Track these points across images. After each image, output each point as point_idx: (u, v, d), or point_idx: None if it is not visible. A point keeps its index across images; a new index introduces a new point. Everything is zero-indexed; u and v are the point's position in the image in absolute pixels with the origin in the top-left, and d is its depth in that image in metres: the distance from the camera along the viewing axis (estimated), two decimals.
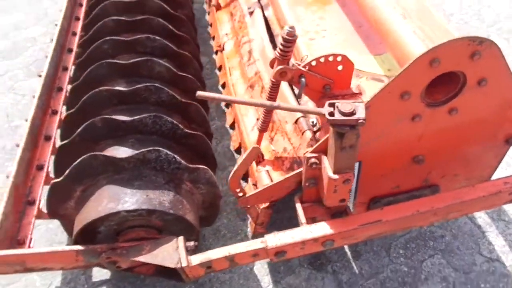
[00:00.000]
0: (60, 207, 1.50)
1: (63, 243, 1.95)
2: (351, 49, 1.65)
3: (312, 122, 1.52)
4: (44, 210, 1.59)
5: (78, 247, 1.40)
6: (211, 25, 2.97)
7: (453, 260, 1.87)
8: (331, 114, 1.07)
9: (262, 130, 1.51)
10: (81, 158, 1.38)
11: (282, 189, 1.46)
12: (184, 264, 1.32)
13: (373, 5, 1.43)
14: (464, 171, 1.54)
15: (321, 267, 1.85)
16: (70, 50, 2.36)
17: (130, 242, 1.44)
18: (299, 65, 1.31)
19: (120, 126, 1.53)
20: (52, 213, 1.52)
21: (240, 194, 1.45)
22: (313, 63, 1.32)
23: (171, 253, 1.37)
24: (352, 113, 1.05)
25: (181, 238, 1.40)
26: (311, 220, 1.47)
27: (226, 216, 2.03)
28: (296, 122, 1.54)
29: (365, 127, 1.06)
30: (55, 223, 2.03)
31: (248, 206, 1.52)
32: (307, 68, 1.33)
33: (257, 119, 1.75)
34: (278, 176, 1.53)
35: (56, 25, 2.41)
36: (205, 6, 3.34)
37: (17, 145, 1.70)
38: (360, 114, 1.05)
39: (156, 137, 1.59)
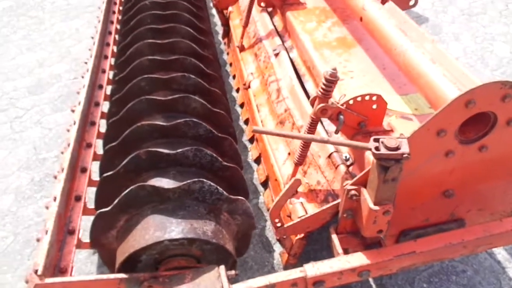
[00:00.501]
0: (103, 236, 1.55)
1: (93, 273, 1.97)
2: (378, 89, 1.77)
3: (345, 156, 1.61)
4: (83, 239, 1.64)
5: (122, 275, 1.44)
6: (230, 64, 3.13)
7: None
8: (377, 148, 1.16)
9: (299, 163, 1.60)
10: (129, 189, 1.45)
11: (318, 221, 1.52)
12: None
13: (401, 50, 1.55)
14: (489, 206, 1.61)
15: None
16: (101, 87, 2.49)
17: (171, 271, 1.48)
18: (338, 103, 1.42)
19: (163, 159, 1.61)
20: (95, 242, 1.56)
21: (279, 225, 1.51)
22: (351, 102, 1.43)
23: (214, 281, 1.41)
24: (397, 148, 1.14)
25: (222, 267, 1.44)
26: (344, 251, 1.53)
27: (253, 248, 2.07)
28: (329, 156, 1.62)
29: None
30: (83, 254, 2.06)
31: (285, 236, 1.57)
32: (345, 106, 1.43)
33: (289, 153, 1.84)
34: (312, 208, 1.60)
35: (85, 63, 2.55)
36: (222, 47, 3.53)
37: (55, 177, 1.77)
38: (405, 149, 1.14)
39: (195, 169, 1.67)
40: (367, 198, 1.31)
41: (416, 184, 1.42)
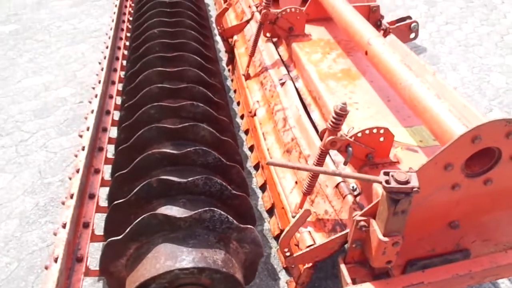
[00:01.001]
0: (112, 264, 1.56)
1: None
2: (384, 121, 1.82)
3: (353, 187, 1.64)
4: (91, 267, 1.65)
5: None
6: (235, 91, 3.19)
7: None
8: (388, 182, 1.19)
9: (307, 193, 1.62)
10: (141, 217, 1.46)
11: (326, 250, 1.54)
12: None
13: (406, 85, 1.61)
14: (494, 237, 1.64)
15: None
16: (108, 112, 2.52)
17: None
18: (346, 135, 1.46)
19: (174, 187, 1.63)
20: (104, 270, 1.57)
21: (288, 254, 1.53)
22: (359, 135, 1.48)
23: None
24: (407, 182, 1.18)
25: None
26: (353, 281, 1.54)
27: (258, 276, 2.07)
28: (337, 186, 1.65)
29: None
30: (88, 281, 2.05)
31: (293, 265, 1.58)
32: (353, 138, 1.48)
33: (296, 182, 1.87)
34: (320, 238, 1.62)
35: (93, 88, 2.60)
36: (226, 73, 3.60)
37: (63, 203, 1.79)
38: (414, 182, 1.18)
39: (204, 197, 1.69)
40: (377, 229, 1.33)
41: (423, 215, 1.45)
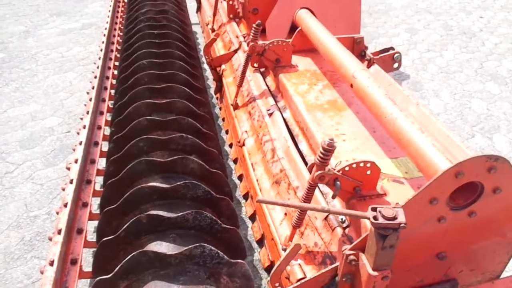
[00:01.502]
0: None
1: None
2: (370, 152, 1.86)
3: (341, 219, 1.66)
4: None
5: None
6: (223, 119, 3.22)
7: None
8: (375, 218, 1.22)
9: (297, 226, 1.64)
10: (131, 255, 1.45)
11: (317, 284, 1.54)
12: None
13: (391, 118, 1.66)
14: (480, 266, 1.67)
15: None
16: (96, 144, 2.52)
17: None
18: (334, 169, 1.49)
19: (163, 222, 1.63)
20: None
21: None
22: (347, 169, 1.51)
23: None
24: (394, 218, 1.21)
25: None
26: None
27: None
28: (325, 218, 1.67)
29: None
30: None
31: None
32: (341, 172, 1.51)
33: (285, 214, 1.88)
34: (311, 270, 1.63)
35: (81, 119, 2.60)
36: (214, 101, 3.64)
37: (50, 239, 1.76)
38: (401, 218, 1.20)
39: (194, 231, 1.69)
40: (366, 264, 1.35)
41: (411, 247, 1.48)
